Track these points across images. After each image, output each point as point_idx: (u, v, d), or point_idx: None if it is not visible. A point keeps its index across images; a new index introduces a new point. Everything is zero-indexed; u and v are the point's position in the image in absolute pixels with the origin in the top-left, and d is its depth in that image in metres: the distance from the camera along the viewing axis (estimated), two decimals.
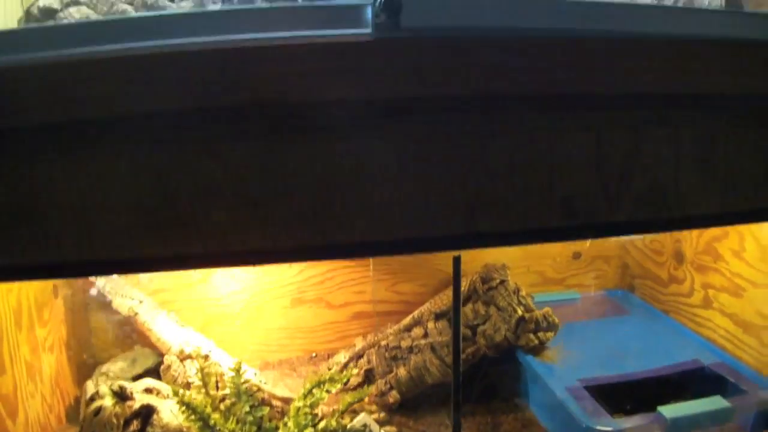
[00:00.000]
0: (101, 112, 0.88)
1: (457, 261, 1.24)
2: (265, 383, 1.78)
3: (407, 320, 1.95)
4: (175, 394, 1.43)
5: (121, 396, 1.53)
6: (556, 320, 1.81)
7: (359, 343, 2.02)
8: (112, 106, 0.87)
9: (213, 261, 1.08)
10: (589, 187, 1.06)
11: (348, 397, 1.56)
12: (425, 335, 1.86)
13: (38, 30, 0.92)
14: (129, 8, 1.22)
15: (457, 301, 1.25)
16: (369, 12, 0.95)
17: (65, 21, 1.22)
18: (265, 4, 1.00)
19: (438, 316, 1.87)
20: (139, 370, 1.90)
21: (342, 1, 0.99)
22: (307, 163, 0.94)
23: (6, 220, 0.89)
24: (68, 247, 0.94)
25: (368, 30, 0.94)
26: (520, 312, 1.77)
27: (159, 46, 0.89)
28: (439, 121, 0.99)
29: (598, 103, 1.04)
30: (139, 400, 1.53)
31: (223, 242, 0.96)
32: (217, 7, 1.06)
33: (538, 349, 1.81)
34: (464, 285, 1.82)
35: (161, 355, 1.87)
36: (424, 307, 1.93)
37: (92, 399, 1.51)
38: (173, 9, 1.12)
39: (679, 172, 1.10)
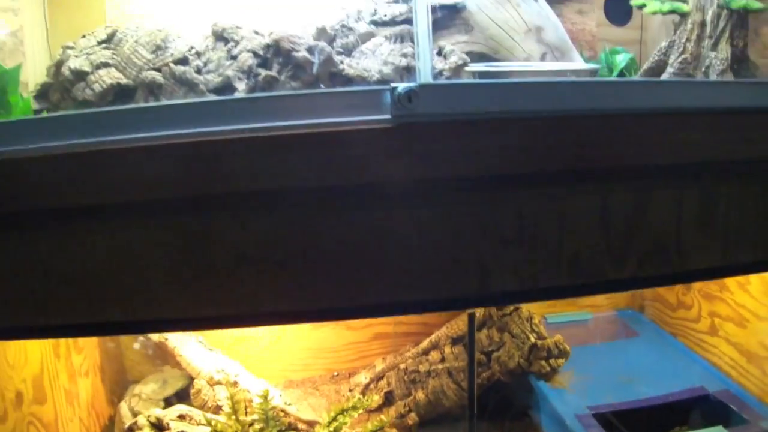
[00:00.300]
0: (139, 194, 0.96)
1: (471, 317, 1.31)
2: (290, 404, 1.87)
3: (425, 343, 2.03)
4: (208, 423, 1.53)
5: (159, 427, 1.62)
6: (567, 348, 1.88)
7: (379, 365, 2.10)
8: (147, 189, 0.95)
9: (245, 322, 1.16)
10: (595, 247, 1.11)
11: (370, 425, 1.64)
12: (442, 360, 1.94)
13: (105, 114, 1.00)
14: (157, 75, 1.29)
15: (472, 352, 1.33)
16: (387, 97, 1.01)
17: (96, 85, 1.29)
18: (288, 92, 1.06)
19: (455, 341, 1.95)
20: (170, 391, 2.00)
21: (361, 87, 1.07)
22: (332, 233, 1.01)
23: (60, 284, 0.98)
24: (112, 309, 1.02)
25: (387, 116, 1.00)
26: (532, 339, 1.84)
27: (195, 133, 0.97)
28: (454, 194, 1.06)
29: (605, 171, 1.10)
30: (175, 428, 1.62)
31: (255, 304, 1.04)
32: (243, 85, 1.13)
33: (549, 375, 1.88)
34: (479, 311, 1.89)
35: (190, 376, 1.96)
36: (441, 332, 2.01)
37: (131, 430, 1.61)
38: (200, 80, 1.19)
39: (682, 230, 1.15)
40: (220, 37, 1.30)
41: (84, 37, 1.58)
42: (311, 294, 1.06)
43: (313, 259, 1.04)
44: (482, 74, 1.39)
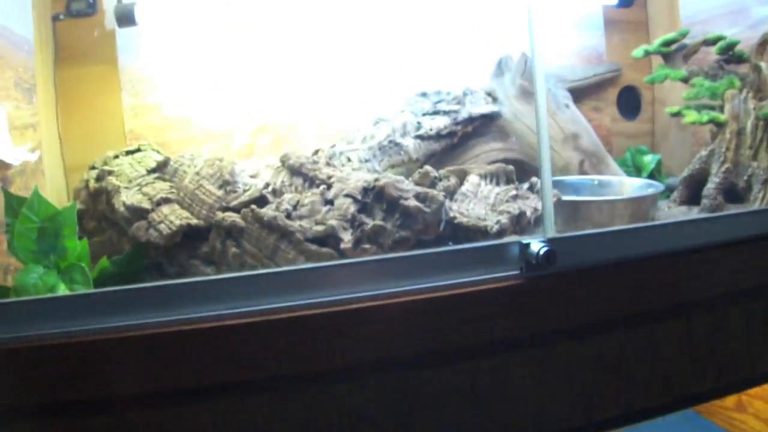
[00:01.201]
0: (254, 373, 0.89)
1: None
2: None
3: None
4: None
5: None
6: None
7: None
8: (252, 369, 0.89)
9: None
10: (683, 366, 1.16)
11: None
12: None
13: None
14: (237, 219, 1.18)
15: None
16: (516, 252, 0.98)
17: (163, 226, 1.19)
18: (420, 251, 1.00)
19: None
20: None
21: (490, 243, 1.03)
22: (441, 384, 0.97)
23: None
24: None
25: (517, 272, 0.99)
26: None
27: (316, 303, 0.91)
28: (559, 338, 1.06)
29: (689, 300, 1.16)
30: None
31: None
32: (348, 235, 1.06)
33: None
34: None
35: None
36: None
37: None
38: (295, 228, 1.10)
39: (752, 341, 1.21)
40: (297, 172, 1.23)
41: (117, 157, 1.48)
42: None
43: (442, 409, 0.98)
44: (570, 203, 1.36)
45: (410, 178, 1.18)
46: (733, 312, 1.18)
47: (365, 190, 1.11)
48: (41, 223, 1.16)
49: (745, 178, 1.54)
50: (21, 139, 1.43)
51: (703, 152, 1.64)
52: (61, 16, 1.73)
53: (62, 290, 1.10)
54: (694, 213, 1.57)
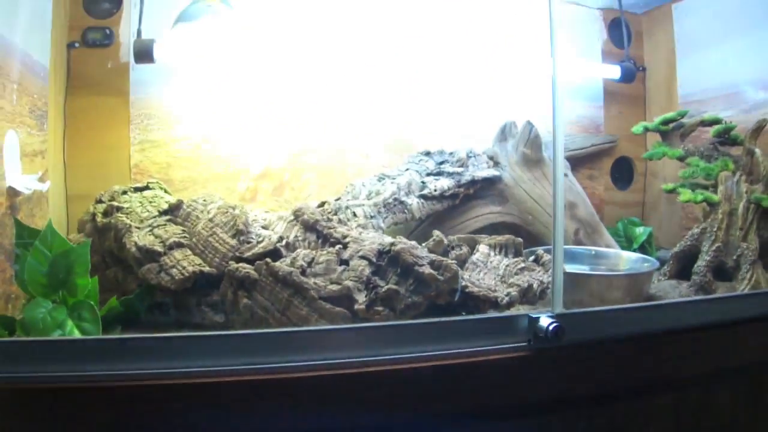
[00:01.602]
0: None
1: None
2: None
3: None
4: None
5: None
6: None
7: None
8: None
9: None
10: None
11: None
12: None
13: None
14: (251, 271, 1.20)
15: None
16: (525, 324, 1.01)
17: (175, 271, 1.20)
18: (434, 320, 1.03)
19: None
20: None
21: (500, 315, 1.06)
22: None
23: None
24: None
25: (524, 343, 1.02)
26: None
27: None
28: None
29: (681, 376, 1.20)
30: None
31: None
32: (363, 296, 1.08)
33: None
34: None
35: None
36: None
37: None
38: (310, 285, 1.13)
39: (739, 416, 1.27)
40: (311, 228, 1.25)
41: (125, 193, 1.49)
42: None
43: None
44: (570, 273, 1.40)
45: (423, 244, 1.21)
46: (723, 388, 1.24)
47: (380, 253, 1.14)
48: (53, 257, 1.16)
49: (734, 257, 1.59)
50: (30, 166, 1.43)
51: (695, 230, 1.69)
52: (77, 45, 1.74)
53: (70, 327, 1.11)
54: (683, 287, 1.62)
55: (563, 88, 1.07)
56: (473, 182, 1.68)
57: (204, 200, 1.36)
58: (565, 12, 2.01)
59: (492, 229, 1.74)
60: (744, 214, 1.63)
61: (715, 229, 1.64)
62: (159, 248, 1.23)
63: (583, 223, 1.77)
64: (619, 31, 2.19)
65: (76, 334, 1.09)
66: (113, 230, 1.34)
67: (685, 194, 1.68)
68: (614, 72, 2.08)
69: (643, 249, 1.92)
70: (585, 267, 1.58)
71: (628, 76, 2.09)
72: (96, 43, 1.75)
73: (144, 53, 1.63)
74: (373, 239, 1.17)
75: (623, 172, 2.27)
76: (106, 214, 1.41)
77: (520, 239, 1.31)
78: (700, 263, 1.62)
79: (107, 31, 1.76)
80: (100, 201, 1.49)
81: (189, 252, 1.23)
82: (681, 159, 1.78)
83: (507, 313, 1.11)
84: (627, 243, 1.95)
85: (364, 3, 1.93)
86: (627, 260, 1.62)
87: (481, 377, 1.00)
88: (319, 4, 1.88)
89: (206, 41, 1.51)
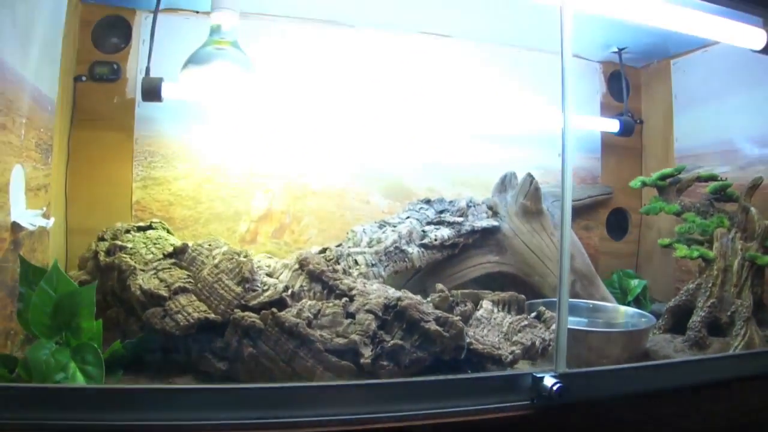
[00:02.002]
0: None
1: None
2: None
3: None
4: None
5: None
6: None
7: None
8: None
9: None
10: None
11: None
12: None
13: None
14: (257, 320, 1.20)
15: None
16: (528, 382, 1.03)
17: (180, 317, 1.20)
18: (439, 377, 1.03)
19: None
20: None
21: (504, 373, 1.07)
22: None
23: None
24: None
25: (528, 401, 1.03)
26: None
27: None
28: None
29: None
30: None
31: None
32: (369, 350, 1.09)
33: None
34: None
35: None
36: None
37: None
38: (316, 338, 1.13)
39: None
40: (317, 278, 1.26)
41: (128, 232, 1.49)
42: None
43: None
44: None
45: (428, 299, 1.22)
46: None
47: (386, 307, 1.15)
48: (58, 298, 1.16)
49: (729, 313, 1.62)
50: (34, 200, 1.43)
51: (690, 285, 1.72)
52: (84, 78, 1.75)
53: (73, 370, 1.10)
54: (678, 342, 1.64)
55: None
56: (473, 232, 1.70)
57: (209, 244, 1.36)
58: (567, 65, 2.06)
59: (489, 278, 1.75)
60: (739, 271, 1.66)
61: (710, 285, 1.67)
62: (164, 292, 1.23)
63: (580, 275, 1.78)
64: (618, 84, 2.23)
65: (79, 378, 1.08)
66: (116, 270, 1.34)
67: (681, 250, 1.71)
68: (614, 126, 2.12)
69: (637, 301, 1.94)
70: (583, 320, 1.60)
71: (627, 130, 2.13)
72: (103, 77, 1.77)
73: (152, 92, 1.64)
74: (379, 293, 1.18)
75: (618, 223, 2.30)
76: (109, 252, 1.41)
77: (522, 296, 1.32)
78: (695, 318, 1.64)
79: (114, 66, 1.77)
80: (102, 239, 1.50)
81: (194, 298, 1.23)
82: (677, 214, 1.81)
83: (511, 371, 1.12)
84: (621, 295, 1.97)
85: (365, 52, 1.96)
86: (624, 315, 1.64)
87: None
88: (319, 52, 1.92)
89: (216, 85, 1.52)
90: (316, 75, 1.89)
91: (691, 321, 1.64)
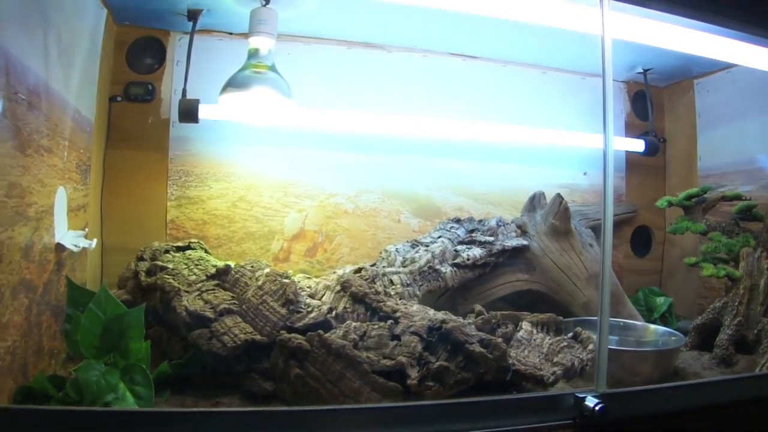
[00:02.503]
0: None
1: None
2: None
3: None
4: None
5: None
6: None
7: None
8: None
9: None
10: None
11: None
12: None
13: None
14: (304, 342, 1.24)
15: None
16: (570, 402, 1.05)
17: (227, 338, 1.22)
18: (486, 398, 1.06)
19: None
20: None
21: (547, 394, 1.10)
22: None
23: None
24: None
25: (570, 421, 1.06)
26: None
27: None
28: None
29: None
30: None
31: None
32: (415, 372, 1.11)
33: None
34: None
35: None
36: None
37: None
38: (363, 359, 1.16)
39: None
40: (360, 300, 1.29)
41: (167, 252, 1.52)
42: None
43: None
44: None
45: (470, 321, 1.25)
46: None
47: (430, 329, 1.17)
48: (107, 320, 1.19)
49: (755, 331, 1.64)
50: (74, 221, 1.46)
51: (717, 303, 1.74)
52: (119, 98, 1.78)
53: (122, 390, 1.12)
54: (705, 359, 1.66)
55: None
56: (503, 251, 1.72)
57: (252, 266, 1.39)
58: (591, 85, 2.09)
59: (518, 296, 1.78)
60: (765, 289, 1.68)
61: (736, 304, 1.69)
62: (210, 314, 1.26)
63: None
64: (642, 103, 2.26)
65: (129, 398, 1.11)
66: (159, 291, 1.36)
67: (708, 269, 1.73)
68: (639, 146, 2.14)
69: (663, 319, 1.96)
70: (614, 338, 1.62)
71: (652, 150, 2.15)
72: (138, 98, 1.80)
73: (189, 113, 1.67)
74: (423, 315, 1.21)
75: (642, 241, 2.32)
76: (149, 273, 1.44)
77: (560, 318, 1.35)
78: (722, 336, 1.66)
79: (149, 87, 1.80)
80: (141, 258, 1.52)
81: (239, 319, 1.26)
82: (704, 233, 1.83)
83: (553, 392, 1.14)
84: (647, 312, 1.99)
85: (395, 72, 2.00)
86: (654, 333, 1.66)
87: None
88: (351, 73, 1.95)
89: (256, 109, 1.55)
90: (348, 96, 1.92)
91: (718, 339, 1.66)
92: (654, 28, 1.44)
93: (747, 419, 1.25)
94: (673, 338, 1.59)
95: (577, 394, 1.07)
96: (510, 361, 1.16)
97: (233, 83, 1.48)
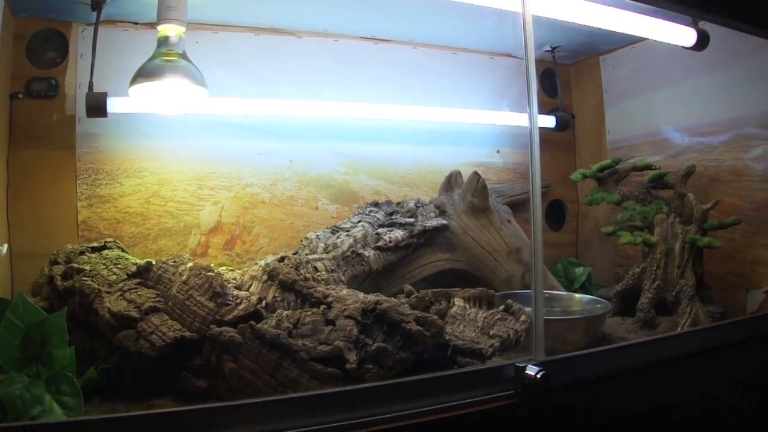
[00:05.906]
0: None
1: None
2: None
3: None
4: None
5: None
6: None
7: None
8: None
9: None
10: None
11: None
12: None
13: None
14: (236, 335, 1.19)
15: None
16: (511, 373, 1.07)
17: (155, 337, 1.18)
18: (427, 375, 1.05)
19: None
20: None
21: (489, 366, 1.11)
22: None
23: None
24: None
25: (512, 391, 1.09)
26: None
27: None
28: None
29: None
30: None
31: None
32: (353, 356, 1.10)
33: None
34: None
35: None
36: None
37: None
38: (299, 347, 1.13)
39: None
40: (289, 288, 1.26)
41: (82, 253, 1.46)
42: None
43: None
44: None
45: (404, 300, 1.24)
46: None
47: (364, 311, 1.16)
48: (27, 328, 1.12)
49: (674, 293, 1.71)
50: None
51: (636, 269, 1.80)
52: (20, 95, 1.68)
53: (49, 401, 1.07)
54: (629, 323, 1.72)
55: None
56: (424, 232, 1.73)
57: (174, 261, 1.34)
58: (500, 64, 2.12)
59: (440, 275, 1.79)
60: (681, 253, 1.75)
61: (654, 268, 1.75)
62: (135, 314, 1.21)
63: (528, 267, 1.83)
64: (550, 81, 2.31)
65: (57, 410, 1.04)
66: (78, 294, 1.30)
67: (625, 236, 1.79)
68: (550, 122, 2.19)
69: (583, 288, 2.01)
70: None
71: (563, 126, 2.21)
72: (41, 94, 1.70)
73: (96, 107, 1.58)
74: (355, 298, 1.20)
75: (556, 215, 2.37)
76: (65, 276, 1.37)
77: (492, 291, 1.36)
78: (643, 300, 1.72)
79: (52, 82, 1.71)
80: (55, 262, 1.45)
81: (166, 317, 1.22)
82: (618, 203, 1.89)
83: (493, 363, 1.15)
84: (567, 283, 2.04)
85: (306, 58, 1.98)
86: (580, 302, 1.71)
87: (473, 427, 1.05)
88: (263, 61, 1.91)
89: (169, 98, 1.49)
90: (260, 83, 1.89)
91: (639, 303, 1.73)
92: (565, 3, 1.47)
93: (677, 377, 1.33)
94: (598, 305, 1.63)
95: (517, 364, 1.09)
96: (447, 338, 1.16)
97: (143, 73, 1.42)
